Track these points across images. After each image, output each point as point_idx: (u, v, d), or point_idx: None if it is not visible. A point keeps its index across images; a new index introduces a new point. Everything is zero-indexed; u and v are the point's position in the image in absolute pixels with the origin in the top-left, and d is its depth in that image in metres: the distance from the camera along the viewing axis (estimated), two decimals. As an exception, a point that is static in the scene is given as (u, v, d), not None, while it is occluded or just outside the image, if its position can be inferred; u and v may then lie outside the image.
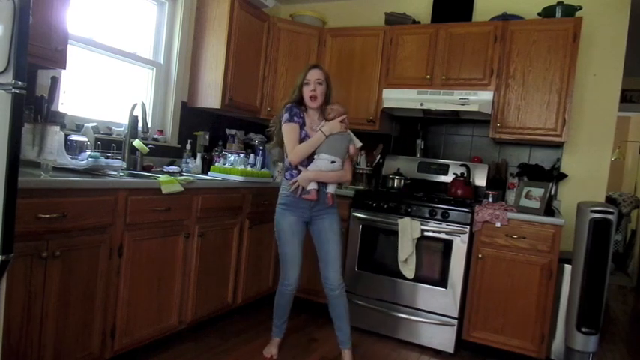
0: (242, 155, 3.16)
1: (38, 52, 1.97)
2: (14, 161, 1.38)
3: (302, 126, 2.43)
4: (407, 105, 3.30)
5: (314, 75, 2.43)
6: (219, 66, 3.20)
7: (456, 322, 2.84)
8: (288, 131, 2.39)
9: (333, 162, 2.40)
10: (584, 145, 3.19)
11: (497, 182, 3.30)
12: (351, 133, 2.52)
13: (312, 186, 2.41)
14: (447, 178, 3.42)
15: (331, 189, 2.47)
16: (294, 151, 2.38)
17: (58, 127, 2.10)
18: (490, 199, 2.99)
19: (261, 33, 3.49)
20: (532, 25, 3.04)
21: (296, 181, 2.42)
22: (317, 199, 2.41)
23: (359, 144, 2.56)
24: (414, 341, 2.93)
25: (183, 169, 3.06)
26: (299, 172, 2.44)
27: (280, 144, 2.48)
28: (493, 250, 2.81)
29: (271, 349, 2.59)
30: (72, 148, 2.29)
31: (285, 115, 2.41)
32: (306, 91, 2.43)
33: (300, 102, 2.47)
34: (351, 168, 2.53)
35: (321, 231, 2.48)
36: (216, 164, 3.13)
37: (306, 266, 3.35)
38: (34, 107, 2.11)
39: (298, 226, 2.47)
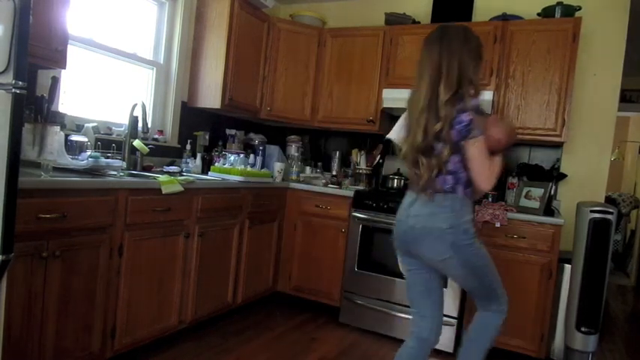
0: (242, 155, 3.16)
1: (38, 52, 1.97)
2: (14, 161, 1.38)
3: None
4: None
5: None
6: (219, 66, 3.20)
7: (455, 321, 2.84)
8: (484, 149, 1.74)
9: None
10: (584, 145, 3.19)
11: (497, 182, 3.29)
12: None
13: None
14: (447, 178, 3.41)
15: None
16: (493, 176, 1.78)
17: (58, 127, 2.11)
18: (490, 199, 2.99)
19: (261, 33, 3.49)
20: (532, 25, 3.04)
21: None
22: None
23: None
24: (414, 341, 2.93)
25: (183, 169, 3.06)
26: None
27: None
28: (493, 249, 2.78)
29: None
30: (72, 148, 2.29)
31: (476, 131, 1.69)
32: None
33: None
34: None
35: None
36: (216, 164, 3.13)
37: (306, 265, 3.39)
38: (34, 107, 2.11)
39: None
